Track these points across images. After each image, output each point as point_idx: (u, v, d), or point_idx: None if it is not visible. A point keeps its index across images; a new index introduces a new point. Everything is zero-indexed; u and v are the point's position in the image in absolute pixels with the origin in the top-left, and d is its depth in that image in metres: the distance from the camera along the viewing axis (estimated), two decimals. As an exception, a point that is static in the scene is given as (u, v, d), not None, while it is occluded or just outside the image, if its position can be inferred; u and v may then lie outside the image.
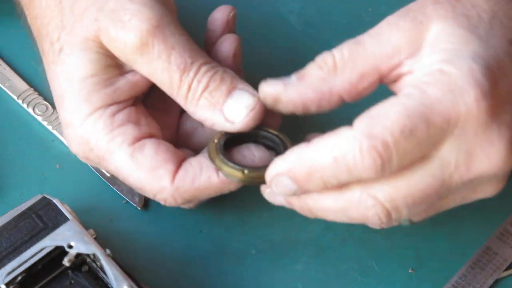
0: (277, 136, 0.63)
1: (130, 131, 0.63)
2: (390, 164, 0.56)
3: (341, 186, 0.58)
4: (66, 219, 0.62)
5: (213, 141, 0.63)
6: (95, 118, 0.63)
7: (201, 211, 0.70)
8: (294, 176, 0.59)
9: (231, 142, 0.63)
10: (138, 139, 0.64)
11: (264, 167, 0.60)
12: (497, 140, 0.57)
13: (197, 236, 0.69)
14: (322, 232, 0.69)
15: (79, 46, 0.63)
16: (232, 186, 0.63)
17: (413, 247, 0.68)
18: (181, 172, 0.63)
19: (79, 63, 0.63)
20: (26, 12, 0.69)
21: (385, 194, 0.58)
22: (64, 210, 0.63)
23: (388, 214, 0.58)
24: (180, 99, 0.63)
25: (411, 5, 0.61)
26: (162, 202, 0.64)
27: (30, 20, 0.68)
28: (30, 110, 0.74)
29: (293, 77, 0.61)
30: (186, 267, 0.67)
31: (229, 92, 0.62)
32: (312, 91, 0.60)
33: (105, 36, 0.62)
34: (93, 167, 0.71)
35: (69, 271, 0.62)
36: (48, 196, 0.64)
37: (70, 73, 0.64)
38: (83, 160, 0.66)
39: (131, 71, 0.64)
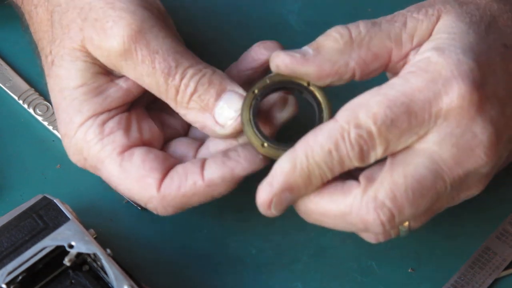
0: (314, 96, 0.61)
1: (119, 139, 0.64)
2: (375, 152, 0.57)
3: (343, 189, 0.59)
4: (66, 219, 0.62)
5: (252, 92, 0.62)
6: (86, 128, 0.64)
7: (201, 211, 0.70)
8: (292, 186, 0.59)
9: (273, 90, 0.62)
10: (127, 147, 0.64)
11: (284, 147, 0.60)
12: (480, 133, 0.58)
13: (197, 236, 0.69)
14: (322, 232, 0.69)
15: (68, 58, 0.64)
16: (221, 189, 0.63)
17: (412, 247, 0.69)
18: (166, 180, 0.63)
19: (68, 74, 0.64)
20: (30, 28, 0.69)
21: (386, 192, 0.58)
22: (65, 210, 0.63)
23: (392, 216, 0.58)
24: (170, 102, 0.63)
25: (422, 3, 0.62)
26: (154, 212, 0.64)
27: (33, 35, 0.69)
28: (31, 110, 0.74)
29: (309, 49, 0.60)
30: (186, 267, 0.67)
31: (219, 95, 0.62)
32: (330, 64, 0.60)
33: (90, 45, 0.63)
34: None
35: (70, 271, 0.62)
36: (48, 196, 0.64)
37: (61, 84, 0.64)
38: (83, 168, 0.66)
39: (122, 76, 0.64)
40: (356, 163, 0.58)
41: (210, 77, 0.62)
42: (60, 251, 0.61)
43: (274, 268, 0.68)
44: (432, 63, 0.57)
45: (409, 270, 0.68)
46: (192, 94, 0.62)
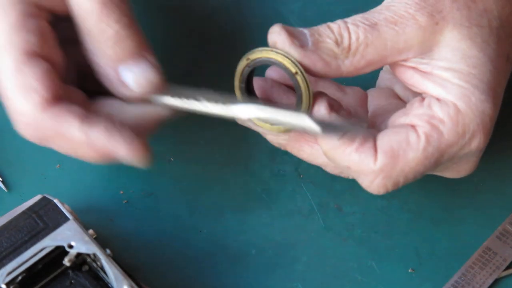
0: (298, 85, 0.61)
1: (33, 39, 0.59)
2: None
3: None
4: (66, 219, 0.62)
5: (246, 59, 0.61)
6: None
7: (201, 211, 0.70)
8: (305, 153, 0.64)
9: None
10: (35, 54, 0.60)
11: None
12: (472, 162, 0.63)
13: (197, 236, 0.69)
14: (322, 232, 0.69)
15: None
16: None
17: (413, 247, 0.69)
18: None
19: None
20: None
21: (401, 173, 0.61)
22: (64, 210, 0.63)
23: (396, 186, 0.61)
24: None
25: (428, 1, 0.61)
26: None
27: None
28: (31, 110, 0.74)
29: (309, 41, 0.60)
30: (186, 267, 0.67)
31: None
32: (322, 64, 0.60)
33: None
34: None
35: (70, 271, 0.62)
36: (48, 196, 0.64)
37: None
38: None
39: None
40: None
41: None
42: (59, 251, 0.61)
43: (274, 268, 0.68)
44: (461, 114, 0.59)
45: (409, 270, 0.68)
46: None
